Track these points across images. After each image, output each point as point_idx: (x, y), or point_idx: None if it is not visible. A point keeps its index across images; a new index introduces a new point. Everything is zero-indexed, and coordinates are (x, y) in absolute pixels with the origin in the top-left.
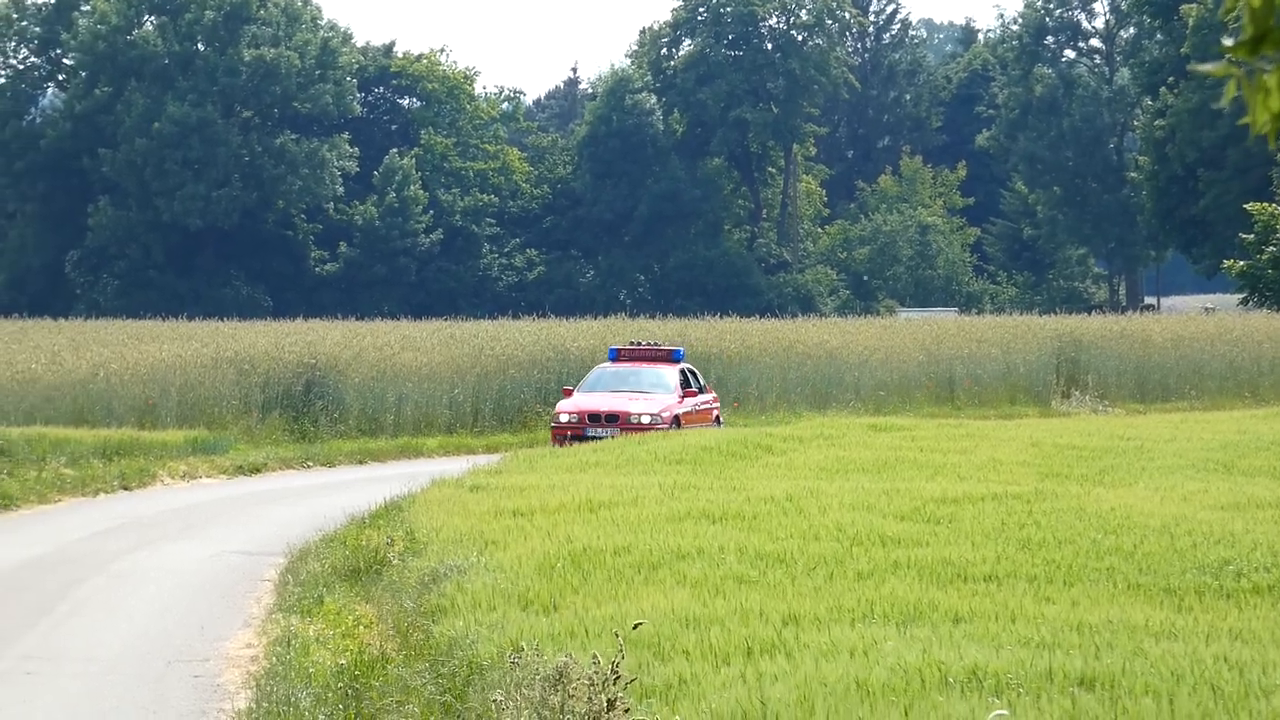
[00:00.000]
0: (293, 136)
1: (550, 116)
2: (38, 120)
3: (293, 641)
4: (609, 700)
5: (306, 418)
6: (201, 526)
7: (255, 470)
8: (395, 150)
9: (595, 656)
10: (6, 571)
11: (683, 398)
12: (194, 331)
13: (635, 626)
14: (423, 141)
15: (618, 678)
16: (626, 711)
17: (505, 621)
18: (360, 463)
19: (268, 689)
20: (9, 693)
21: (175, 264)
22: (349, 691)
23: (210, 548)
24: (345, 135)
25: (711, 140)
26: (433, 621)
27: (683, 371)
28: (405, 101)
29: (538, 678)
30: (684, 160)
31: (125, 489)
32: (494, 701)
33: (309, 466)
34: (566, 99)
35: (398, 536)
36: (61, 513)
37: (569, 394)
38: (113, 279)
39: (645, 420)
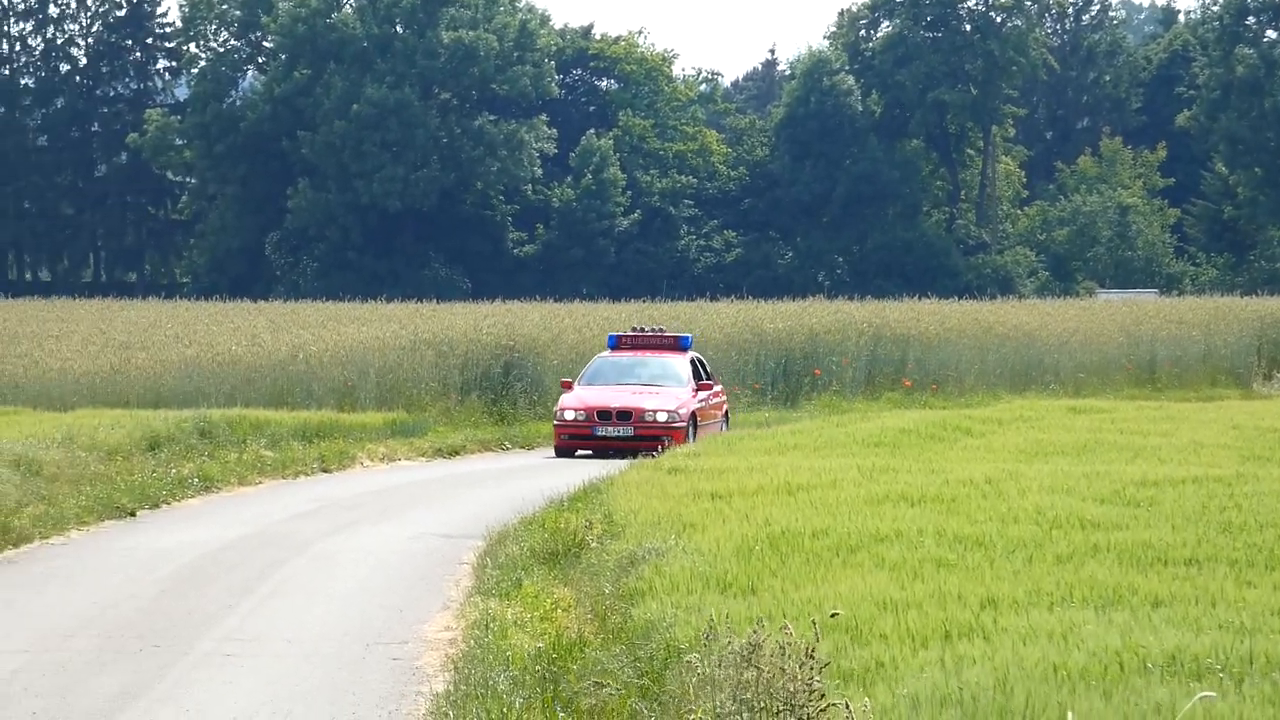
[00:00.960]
0: (491, 118)
1: (748, 98)
2: (238, 103)
3: (491, 625)
4: (806, 683)
5: (505, 400)
6: (400, 509)
7: (454, 452)
8: (593, 132)
9: (786, 626)
10: (209, 553)
11: (696, 390)
12: (392, 313)
13: (833, 615)
14: (620, 123)
15: (813, 659)
16: (822, 696)
17: (703, 604)
18: None
19: (466, 672)
20: (210, 674)
21: (374, 246)
22: (547, 674)
23: (409, 530)
24: (543, 117)
25: (909, 122)
26: (630, 604)
27: (693, 362)
28: (603, 83)
29: (732, 656)
30: (882, 141)
31: (324, 471)
32: (689, 681)
33: (507, 449)
34: (764, 81)
35: (596, 519)
36: (262, 495)
37: (568, 387)
38: (312, 261)
39: (661, 419)
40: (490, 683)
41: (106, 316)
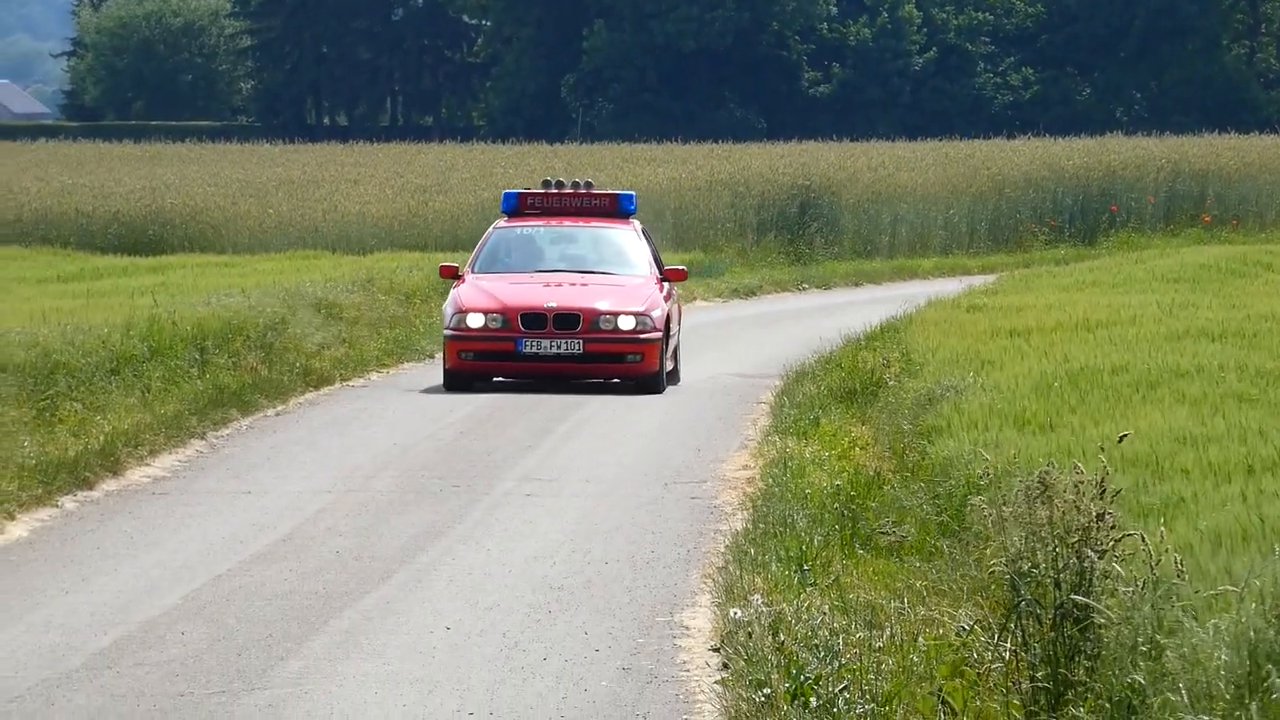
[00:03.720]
0: None
1: None
2: None
3: (789, 463)
4: (1097, 514)
5: (801, 240)
6: (697, 350)
7: (750, 293)
8: None
9: (1076, 465)
10: (506, 395)
11: (660, 280)
12: (688, 154)
13: (1121, 439)
14: None
15: (1104, 490)
16: (1114, 527)
17: (1001, 441)
18: (855, 284)
19: (764, 510)
20: (510, 512)
21: (669, 87)
22: (845, 512)
23: (706, 370)
24: None
25: None
26: (929, 442)
27: (644, 234)
28: None
29: (1022, 490)
30: None
31: None
32: (988, 518)
33: (804, 289)
34: None
35: (894, 358)
36: None
37: (452, 275)
38: (607, 103)
39: (626, 325)
40: (789, 520)
41: (404, 160)
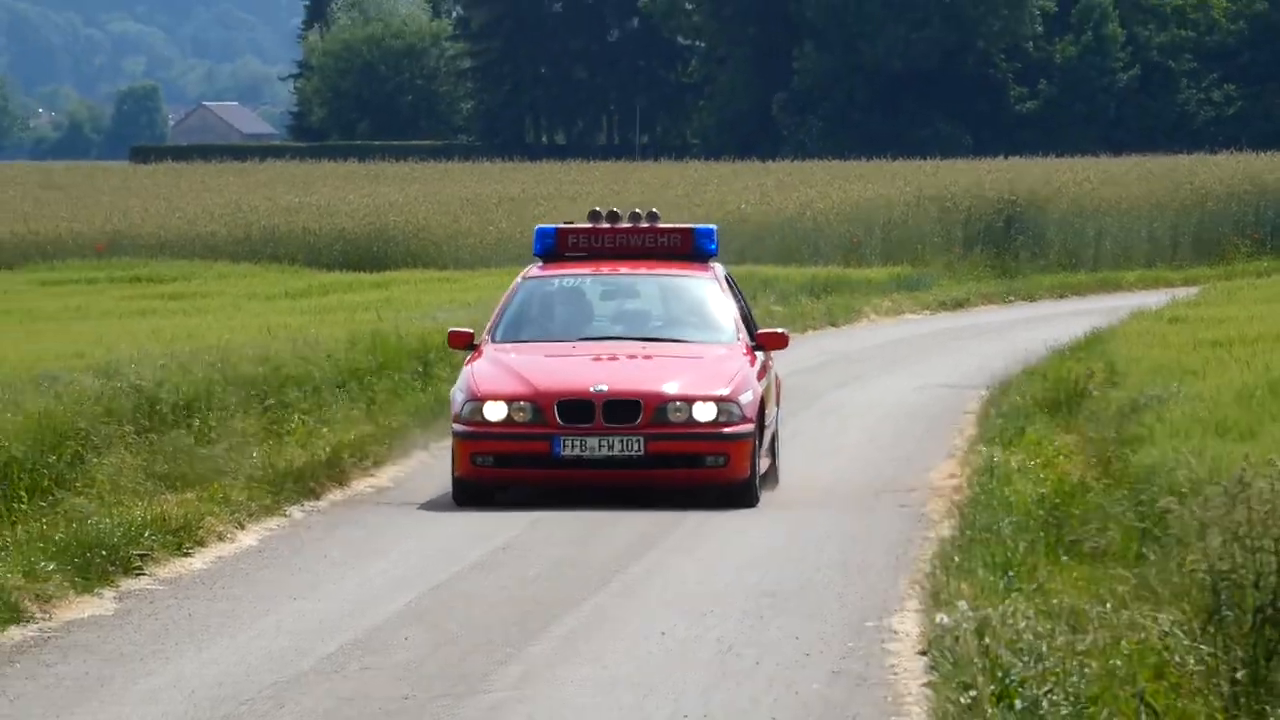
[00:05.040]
0: None
1: None
2: None
3: (995, 471)
4: None
5: (1007, 253)
6: (905, 361)
7: (957, 305)
8: None
9: (1273, 460)
10: None
11: (750, 349)
12: (896, 171)
13: None
14: None
15: None
16: None
17: (1203, 449)
18: (1060, 297)
19: (971, 517)
20: (721, 523)
21: (878, 105)
22: (1050, 519)
23: (914, 381)
24: None
25: None
26: (1131, 450)
27: (729, 283)
28: None
29: (1221, 493)
30: None
31: (832, 325)
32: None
33: (1010, 301)
34: None
35: (1097, 368)
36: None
37: (464, 344)
38: (817, 121)
39: (705, 415)
40: (995, 528)
41: (619, 177)
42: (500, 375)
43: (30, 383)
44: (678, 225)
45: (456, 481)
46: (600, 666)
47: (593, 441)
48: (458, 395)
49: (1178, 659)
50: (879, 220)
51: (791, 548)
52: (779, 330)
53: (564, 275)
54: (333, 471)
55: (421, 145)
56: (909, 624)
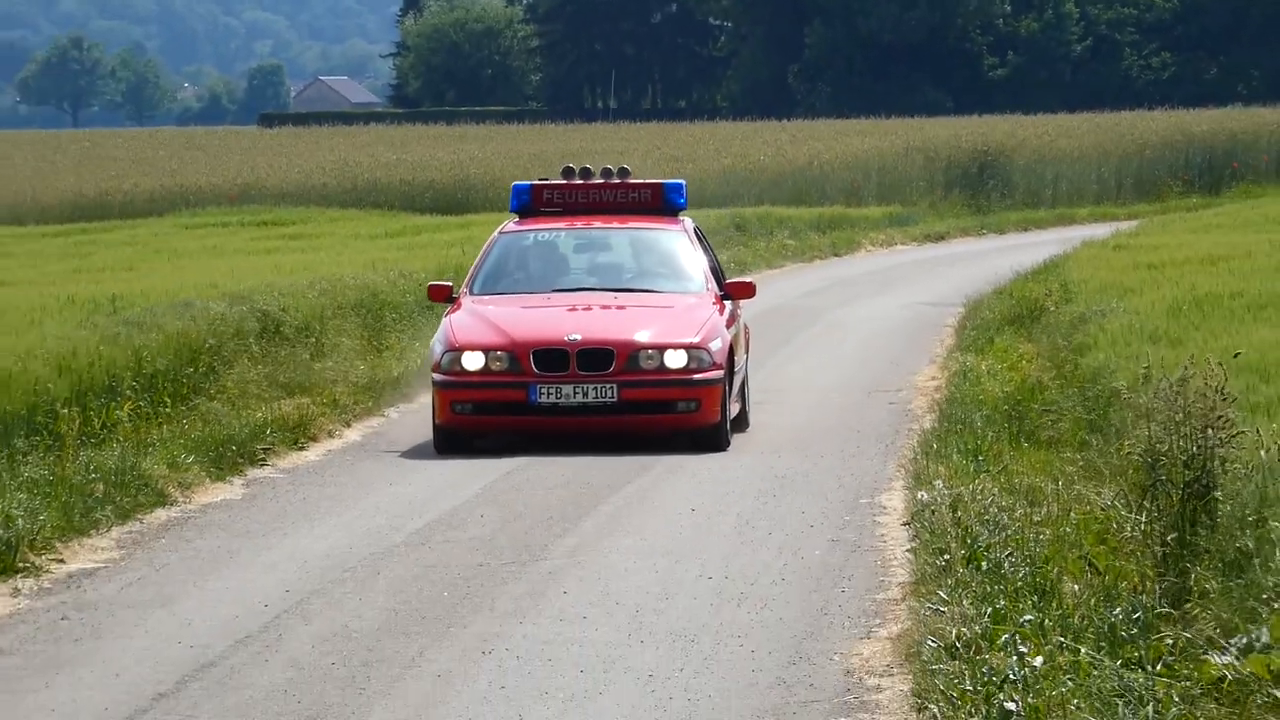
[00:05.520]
0: None
1: None
2: None
3: (968, 374)
4: (1220, 412)
5: (980, 194)
6: (895, 284)
7: (939, 238)
8: None
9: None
10: (747, 320)
11: (719, 298)
12: (890, 128)
13: (1235, 356)
14: None
15: (1222, 391)
16: (1229, 423)
17: (1138, 354)
18: (1024, 230)
19: (948, 412)
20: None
21: (875, 73)
22: (1013, 413)
23: (902, 300)
24: None
25: None
26: (1079, 355)
27: (698, 235)
28: None
29: (1165, 390)
30: None
31: (835, 255)
32: (1128, 414)
33: (982, 234)
34: None
35: (1054, 288)
36: (786, 275)
37: (443, 297)
38: (824, 86)
39: (676, 362)
40: (967, 420)
41: (661, 136)
42: (477, 326)
43: (172, 309)
44: (648, 180)
45: (437, 429)
46: (640, 538)
47: (567, 389)
48: (436, 346)
49: (1116, 526)
50: (874, 168)
51: (800, 437)
52: (746, 280)
53: (539, 230)
54: (424, 379)
55: (497, 110)
56: (895, 500)
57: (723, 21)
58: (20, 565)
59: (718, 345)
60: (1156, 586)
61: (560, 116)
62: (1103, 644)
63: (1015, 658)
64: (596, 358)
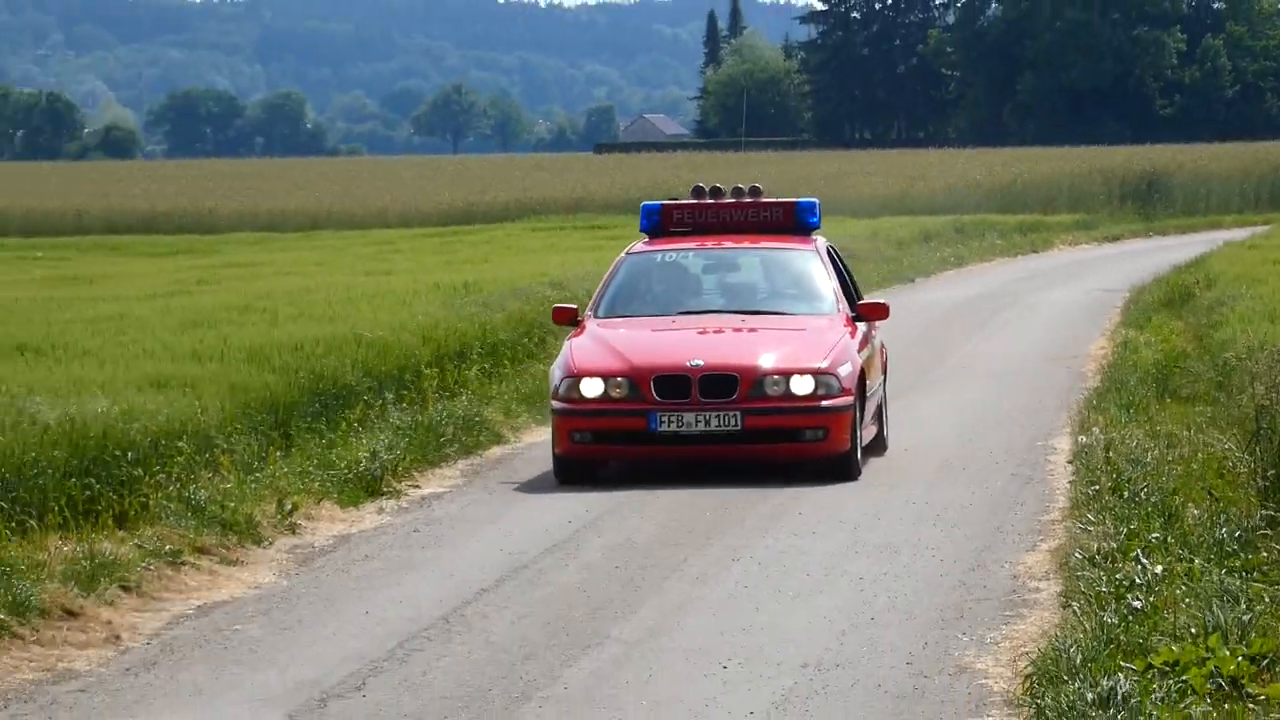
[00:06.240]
0: (1144, 29)
1: None
2: (984, 24)
3: (1128, 344)
4: None
5: (1148, 206)
6: (1078, 275)
7: (1115, 239)
8: (1209, 36)
9: None
10: (956, 305)
11: (851, 320)
12: (1079, 154)
13: None
14: (1226, 30)
15: None
16: None
17: (1260, 330)
18: (1182, 234)
19: (1110, 374)
20: (950, 385)
21: (1069, 111)
22: (1159, 375)
23: (1084, 287)
24: (1177, 27)
25: None
26: (1214, 330)
27: (831, 256)
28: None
29: (1269, 356)
30: None
31: (1033, 252)
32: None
33: (1149, 236)
34: None
35: (1200, 278)
36: (993, 268)
37: (568, 320)
38: (1031, 122)
39: (803, 389)
40: (1124, 380)
41: (903, 162)
42: (598, 351)
43: (511, 293)
44: (780, 199)
45: (557, 459)
46: (846, 494)
47: (689, 417)
48: (556, 372)
49: (1232, 465)
50: (1065, 185)
51: (993, 395)
52: (879, 301)
53: (666, 250)
54: None
55: (777, 140)
56: (1064, 443)
57: (953, 71)
58: (384, 490)
59: (847, 370)
60: (1259, 511)
61: (825, 145)
62: (1211, 556)
63: (1140, 566)
64: (720, 384)
